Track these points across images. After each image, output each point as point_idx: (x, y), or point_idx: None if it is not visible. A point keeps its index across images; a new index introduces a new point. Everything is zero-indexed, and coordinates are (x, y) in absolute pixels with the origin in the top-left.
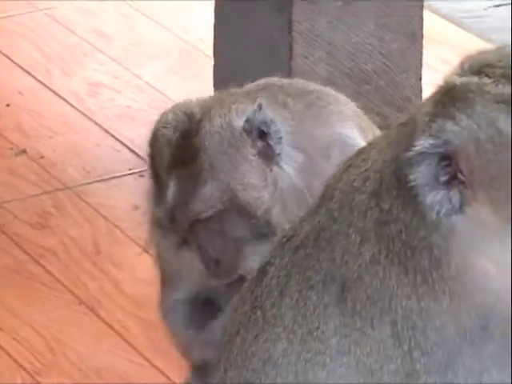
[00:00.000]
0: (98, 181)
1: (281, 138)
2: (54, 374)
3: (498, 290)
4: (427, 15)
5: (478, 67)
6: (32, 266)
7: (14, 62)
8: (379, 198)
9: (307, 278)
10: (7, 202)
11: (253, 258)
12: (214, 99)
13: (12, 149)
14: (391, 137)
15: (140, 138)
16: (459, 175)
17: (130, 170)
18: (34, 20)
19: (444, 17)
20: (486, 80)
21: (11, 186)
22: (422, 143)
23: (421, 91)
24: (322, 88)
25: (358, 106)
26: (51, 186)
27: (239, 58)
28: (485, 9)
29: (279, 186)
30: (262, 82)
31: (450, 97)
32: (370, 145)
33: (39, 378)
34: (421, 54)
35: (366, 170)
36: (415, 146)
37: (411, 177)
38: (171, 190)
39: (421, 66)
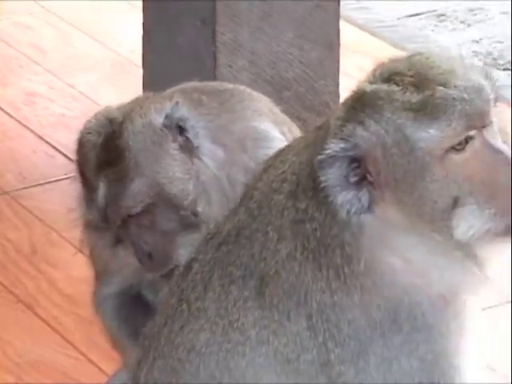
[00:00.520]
0: (34, 185)
1: (197, 132)
2: None
3: (405, 284)
4: (344, 26)
5: (387, 75)
6: None
7: None
8: (296, 199)
9: (229, 273)
10: None
11: (184, 248)
12: (133, 103)
13: None
14: (308, 140)
15: (74, 144)
16: (368, 177)
17: (65, 174)
18: None
19: (360, 27)
20: (395, 88)
21: None
22: (333, 146)
23: (338, 97)
24: (237, 86)
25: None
26: None
27: (167, 68)
28: (398, 19)
29: (201, 178)
30: (179, 86)
31: (360, 103)
32: (289, 147)
33: None
34: (338, 62)
35: (284, 172)
36: (327, 149)
37: (323, 178)
38: (101, 191)
39: (338, 73)
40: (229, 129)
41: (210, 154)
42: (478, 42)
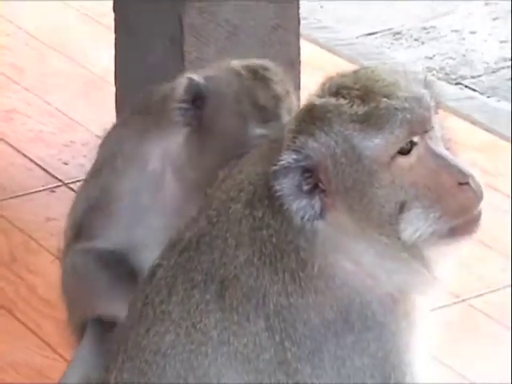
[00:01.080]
0: (13, 197)
1: None
2: None
3: (356, 285)
4: (305, 44)
5: (335, 89)
6: None
7: None
8: (252, 207)
9: (191, 278)
10: None
11: None
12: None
13: None
14: (264, 151)
15: (51, 157)
16: (320, 185)
17: (42, 186)
18: None
19: (320, 45)
20: (343, 101)
21: None
22: (287, 158)
23: None
24: None
25: None
26: None
27: (138, 85)
28: (357, 37)
29: None
30: None
31: (310, 116)
32: (245, 158)
33: None
34: (299, 78)
35: (241, 182)
36: (281, 161)
37: (278, 187)
38: None
39: (299, 88)
40: None
41: None
42: (431, 58)
